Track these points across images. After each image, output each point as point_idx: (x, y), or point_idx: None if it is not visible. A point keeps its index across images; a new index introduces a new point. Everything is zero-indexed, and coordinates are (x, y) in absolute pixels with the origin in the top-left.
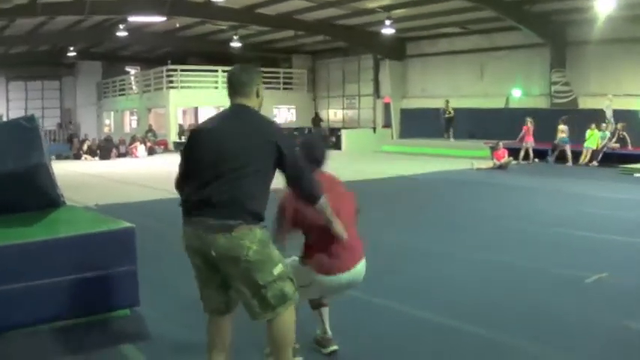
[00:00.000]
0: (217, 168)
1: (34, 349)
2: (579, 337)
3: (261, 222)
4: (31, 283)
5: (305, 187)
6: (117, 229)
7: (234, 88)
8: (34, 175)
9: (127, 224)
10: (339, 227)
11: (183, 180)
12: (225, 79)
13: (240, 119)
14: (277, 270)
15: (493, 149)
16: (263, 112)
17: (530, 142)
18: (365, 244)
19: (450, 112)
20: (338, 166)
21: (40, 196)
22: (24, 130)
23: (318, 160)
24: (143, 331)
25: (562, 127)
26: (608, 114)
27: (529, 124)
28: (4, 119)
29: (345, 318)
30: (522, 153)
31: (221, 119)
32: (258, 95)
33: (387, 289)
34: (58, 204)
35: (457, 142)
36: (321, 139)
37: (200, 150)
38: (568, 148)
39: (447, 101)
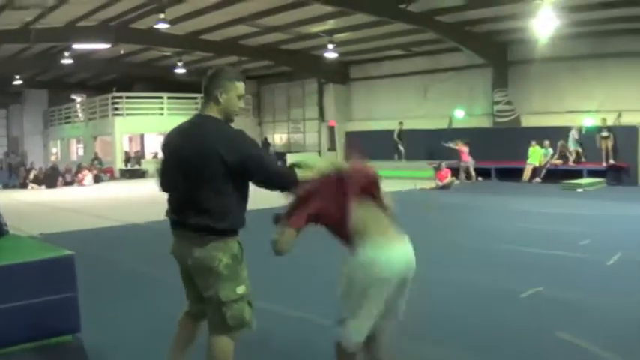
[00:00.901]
0: (182, 182)
1: None
2: (511, 349)
3: (235, 235)
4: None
5: (277, 183)
6: (57, 256)
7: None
8: None
9: (67, 252)
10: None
11: (165, 192)
12: (169, 106)
13: (191, 131)
14: (241, 290)
15: (436, 170)
16: None
17: (467, 162)
18: (301, 267)
19: (400, 134)
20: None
21: None
22: None
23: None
24: (84, 357)
25: (464, 148)
26: (574, 136)
27: (459, 146)
28: None
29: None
30: (462, 173)
31: (178, 132)
32: (218, 102)
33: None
34: (2, 233)
35: (403, 163)
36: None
37: (165, 164)
38: (471, 167)
39: (401, 123)
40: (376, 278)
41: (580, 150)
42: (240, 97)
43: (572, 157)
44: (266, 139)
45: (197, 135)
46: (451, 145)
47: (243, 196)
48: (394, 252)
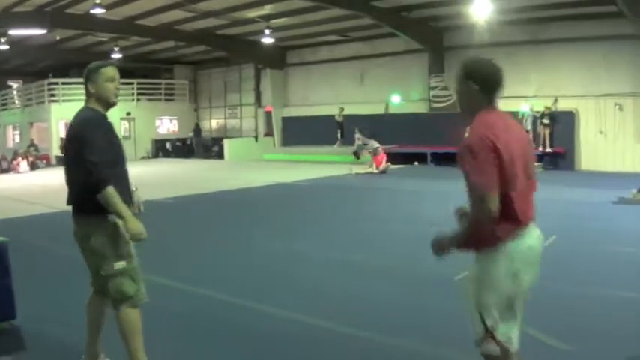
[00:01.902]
0: (65, 166)
1: None
2: (443, 331)
3: (109, 213)
4: None
5: (94, 177)
6: None
7: None
8: None
9: (1, 238)
10: (131, 225)
11: None
12: None
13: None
14: (119, 266)
15: (373, 154)
16: (146, 123)
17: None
18: (235, 248)
19: (340, 118)
20: (220, 175)
21: None
22: None
23: (495, 89)
24: (21, 344)
25: (358, 135)
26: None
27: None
28: None
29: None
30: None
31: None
32: (91, 92)
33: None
34: None
35: (339, 148)
36: (491, 61)
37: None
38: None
39: (342, 108)
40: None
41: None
42: (110, 80)
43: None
44: (197, 124)
45: (71, 124)
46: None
47: (114, 176)
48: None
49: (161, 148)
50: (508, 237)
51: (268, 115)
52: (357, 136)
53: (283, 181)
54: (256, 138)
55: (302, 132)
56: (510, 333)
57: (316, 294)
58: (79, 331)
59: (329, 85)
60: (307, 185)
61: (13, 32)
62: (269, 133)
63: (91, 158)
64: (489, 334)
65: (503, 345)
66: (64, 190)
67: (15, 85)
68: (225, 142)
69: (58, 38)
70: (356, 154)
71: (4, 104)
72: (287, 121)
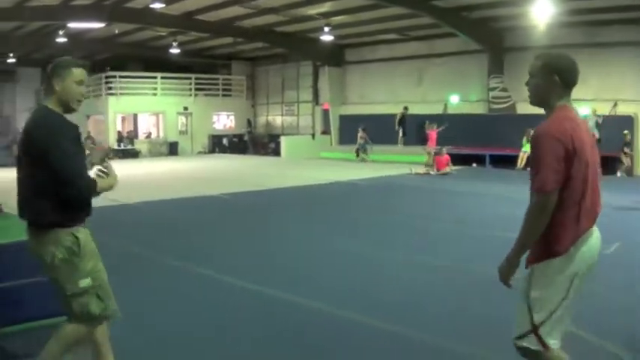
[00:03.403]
0: (19, 173)
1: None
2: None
3: (69, 227)
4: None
5: (76, 184)
6: None
7: None
8: None
9: None
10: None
11: None
12: (163, 86)
13: (26, 122)
14: (83, 283)
15: (436, 154)
16: (203, 118)
17: (432, 148)
18: (298, 248)
19: (403, 118)
20: (277, 172)
21: None
22: None
23: (574, 85)
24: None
25: (361, 134)
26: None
27: (430, 129)
28: None
29: (275, 322)
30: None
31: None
32: (54, 91)
33: (316, 291)
34: None
35: (399, 147)
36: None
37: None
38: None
39: (406, 107)
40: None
41: (597, 135)
42: (79, 83)
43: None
44: (249, 120)
45: (26, 125)
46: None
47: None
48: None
49: (218, 144)
50: (573, 238)
51: (325, 112)
52: (361, 134)
53: (341, 179)
54: (313, 135)
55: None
56: (554, 332)
57: (375, 294)
58: (133, 330)
59: (387, 84)
60: (366, 184)
61: (72, 25)
62: (326, 131)
63: (72, 166)
64: (534, 330)
65: (544, 343)
66: (120, 183)
67: None
68: (282, 139)
69: (116, 32)
70: (357, 152)
71: None
72: (344, 119)
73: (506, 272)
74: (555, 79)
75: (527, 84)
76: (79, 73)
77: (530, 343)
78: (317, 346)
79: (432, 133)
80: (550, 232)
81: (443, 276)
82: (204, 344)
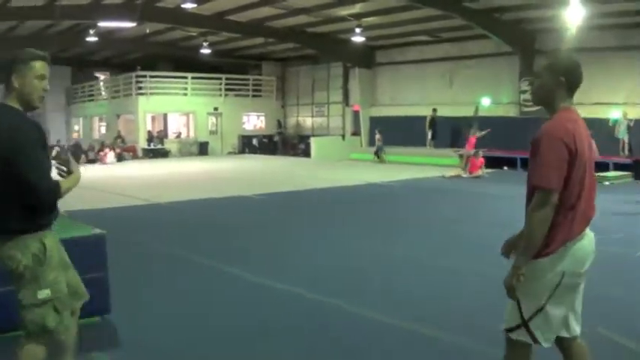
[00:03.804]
0: None
1: (3, 357)
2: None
3: (37, 233)
4: (2, 289)
5: (42, 189)
6: (88, 235)
7: None
8: None
9: (98, 231)
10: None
11: None
12: (193, 86)
13: None
14: (43, 295)
15: (471, 157)
16: (233, 118)
17: (468, 151)
18: (329, 250)
19: (433, 121)
20: (308, 173)
21: None
22: None
23: (578, 86)
24: (114, 339)
25: (378, 136)
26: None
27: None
28: None
29: (310, 323)
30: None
31: None
32: (14, 87)
33: (359, 295)
34: None
35: (429, 150)
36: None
37: None
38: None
39: (434, 109)
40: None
41: (626, 140)
42: (40, 77)
43: (625, 147)
44: (279, 121)
45: None
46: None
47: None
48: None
49: (247, 144)
50: (564, 240)
51: (356, 114)
52: (378, 137)
53: (373, 181)
54: (343, 137)
55: (389, 132)
56: (546, 329)
57: (409, 298)
58: (170, 332)
59: (417, 86)
60: (398, 186)
61: (103, 24)
62: (356, 132)
63: (29, 177)
64: (524, 323)
65: (535, 337)
66: (151, 183)
67: (102, 77)
68: (312, 140)
69: (147, 31)
70: (377, 154)
71: (90, 96)
72: (374, 121)
73: (510, 281)
74: (561, 79)
75: (531, 84)
76: (39, 66)
77: (520, 335)
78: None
79: (473, 138)
80: None
81: (495, 283)
82: (243, 350)
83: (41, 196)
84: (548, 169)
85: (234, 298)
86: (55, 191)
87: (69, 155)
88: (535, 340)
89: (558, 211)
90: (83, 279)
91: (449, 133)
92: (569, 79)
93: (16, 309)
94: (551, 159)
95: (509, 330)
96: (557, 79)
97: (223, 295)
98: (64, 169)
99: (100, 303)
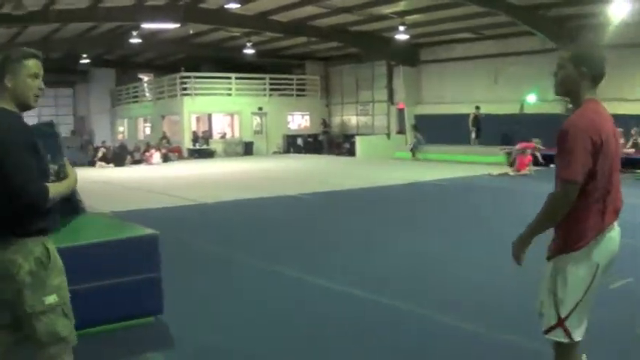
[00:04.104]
0: None
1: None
2: (595, 342)
3: (40, 236)
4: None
5: (29, 203)
6: (141, 235)
7: None
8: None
9: (151, 231)
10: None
11: None
12: (237, 86)
13: None
14: (50, 300)
15: (518, 154)
16: (277, 118)
17: (517, 149)
18: (377, 248)
19: (477, 119)
20: (354, 172)
21: (59, 203)
22: (44, 135)
23: (602, 78)
24: (168, 339)
25: (414, 132)
26: None
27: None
28: None
29: (362, 322)
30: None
31: None
32: (6, 87)
33: (405, 293)
34: (78, 211)
35: (474, 148)
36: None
37: None
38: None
39: (478, 107)
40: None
41: None
42: (33, 76)
43: None
44: (324, 120)
45: None
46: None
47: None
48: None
49: (292, 144)
50: (596, 233)
51: (401, 112)
52: (414, 133)
53: (419, 179)
54: (388, 135)
55: (434, 130)
56: (580, 324)
57: (466, 297)
58: (223, 332)
59: (462, 84)
60: (445, 185)
61: (146, 25)
62: (401, 131)
63: (16, 180)
64: (560, 323)
65: (571, 334)
66: (197, 183)
67: (146, 78)
68: (357, 139)
69: (190, 32)
70: (412, 151)
71: (135, 97)
72: (419, 119)
73: (517, 249)
74: (583, 70)
75: (555, 75)
76: (32, 65)
77: (557, 336)
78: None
79: (528, 157)
80: (574, 226)
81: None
82: (297, 348)
83: (27, 200)
84: (574, 162)
85: (285, 297)
86: (42, 195)
87: (65, 160)
88: (571, 338)
89: (587, 204)
90: (137, 279)
91: (495, 130)
92: (592, 70)
93: (22, 318)
94: (577, 151)
95: (548, 331)
96: (579, 70)
97: (274, 294)
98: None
99: (153, 303)
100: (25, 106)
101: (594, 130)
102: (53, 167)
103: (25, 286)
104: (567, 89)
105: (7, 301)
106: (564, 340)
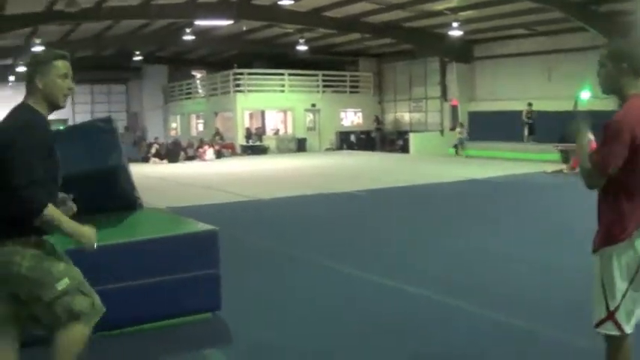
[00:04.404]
0: None
1: (113, 353)
2: None
3: (37, 234)
4: (112, 285)
5: (20, 205)
6: (201, 231)
7: None
8: (112, 177)
9: (210, 227)
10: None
11: None
12: (290, 83)
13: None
14: (62, 285)
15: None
16: (330, 115)
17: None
18: (431, 245)
19: (530, 115)
20: (408, 169)
21: (117, 199)
22: (101, 131)
23: None
24: (225, 335)
25: (459, 129)
26: None
27: None
28: (70, 123)
29: (415, 319)
30: None
31: None
32: (37, 88)
33: (459, 289)
34: (136, 206)
35: (527, 145)
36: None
37: None
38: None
39: (530, 104)
40: None
41: None
42: (63, 76)
43: None
44: (377, 117)
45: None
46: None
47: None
48: None
49: (345, 140)
50: (637, 225)
51: (454, 109)
52: (459, 129)
53: (473, 176)
54: (442, 132)
55: (488, 127)
56: (630, 316)
57: (521, 295)
58: (276, 329)
59: (516, 80)
60: (500, 182)
61: (199, 22)
62: (454, 128)
63: (16, 180)
64: (610, 315)
65: (621, 327)
66: (251, 180)
67: (198, 75)
68: (411, 136)
69: (244, 29)
70: (456, 147)
71: (187, 93)
72: (473, 116)
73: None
74: (624, 66)
75: (598, 74)
76: (62, 65)
77: (608, 329)
78: None
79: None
80: (615, 219)
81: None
82: (356, 346)
83: (20, 203)
84: (607, 153)
85: (344, 295)
86: (35, 205)
87: (70, 205)
88: (622, 331)
89: (628, 198)
90: (196, 276)
91: (548, 128)
92: (633, 65)
93: (40, 310)
94: (613, 145)
95: (597, 325)
96: (620, 67)
97: (332, 291)
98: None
99: (212, 300)
100: (55, 106)
101: (633, 125)
102: (63, 195)
103: (31, 281)
104: (610, 87)
105: (24, 301)
106: (615, 332)
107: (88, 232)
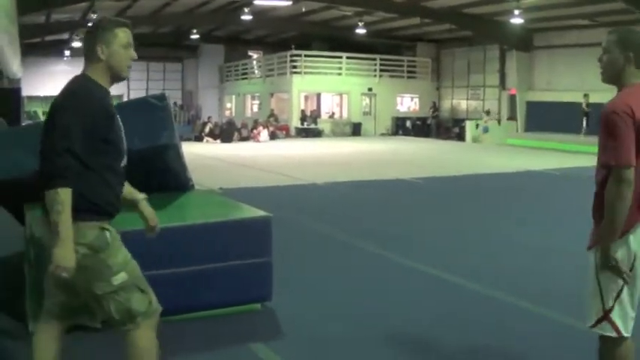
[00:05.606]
0: None
1: (159, 341)
2: None
3: (93, 219)
4: (155, 271)
5: (43, 167)
6: (254, 217)
7: None
8: (163, 156)
9: (264, 213)
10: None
11: None
12: (348, 66)
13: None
14: (118, 280)
15: None
16: (387, 100)
17: None
18: (502, 242)
19: (586, 107)
20: (465, 157)
21: (168, 178)
22: (154, 108)
23: None
24: (275, 328)
25: (485, 117)
26: None
27: None
28: (124, 99)
29: (456, 311)
30: None
31: None
32: (99, 59)
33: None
34: (187, 187)
35: (587, 138)
36: None
37: None
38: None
39: (586, 95)
40: None
41: None
42: (126, 46)
43: None
44: (434, 103)
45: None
46: None
47: (104, 168)
48: None
49: (401, 126)
50: (632, 223)
51: (512, 98)
52: (485, 118)
53: (532, 168)
54: (499, 121)
55: (545, 117)
56: (625, 318)
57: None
58: (333, 320)
59: (574, 71)
60: (557, 174)
61: (258, 2)
62: (512, 117)
63: (49, 143)
64: (605, 315)
65: (617, 327)
66: (306, 162)
67: (255, 55)
68: (467, 124)
69: (303, 10)
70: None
71: (244, 74)
72: (531, 106)
73: (603, 263)
74: (630, 55)
75: (599, 60)
76: (124, 35)
77: (604, 329)
78: None
79: None
80: None
81: None
82: (411, 341)
83: (45, 168)
84: (621, 146)
85: (399, 287)
86: (52, 174)
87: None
88: (618, 332)
89: None
90: (247, 264)
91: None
92: (638, 54)
93: (94, 302)
94: (617, 135)
95: (593, 325)
96: (626, 55)
97: (387, 282)
98: None
99: (262, 290)
100: (119, 77)
101: (627, 112)
102: None
103: (85, 272)
104: (611, 74)
105: (77, 292)
106: (612, 334)
107: (68, 258)
